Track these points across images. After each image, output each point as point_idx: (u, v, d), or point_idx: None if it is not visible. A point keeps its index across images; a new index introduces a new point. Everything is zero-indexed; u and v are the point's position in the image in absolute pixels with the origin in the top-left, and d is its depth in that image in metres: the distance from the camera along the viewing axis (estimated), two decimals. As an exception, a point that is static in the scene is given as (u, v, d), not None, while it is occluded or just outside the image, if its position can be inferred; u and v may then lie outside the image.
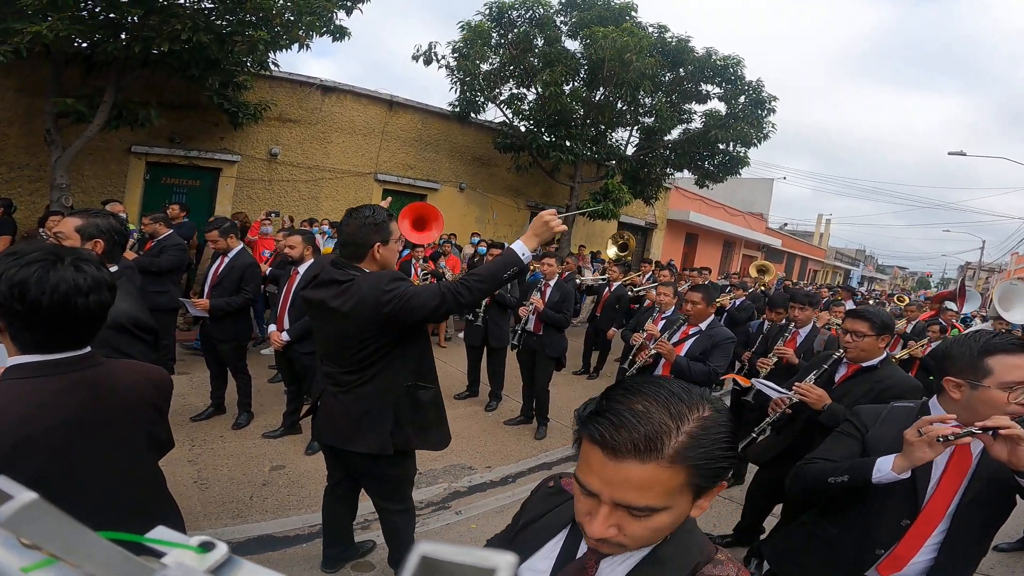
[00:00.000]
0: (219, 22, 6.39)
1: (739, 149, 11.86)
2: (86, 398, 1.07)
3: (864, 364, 2.31)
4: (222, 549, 0.33)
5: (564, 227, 2.00)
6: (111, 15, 5.80)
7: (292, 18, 6.53)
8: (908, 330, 6.32)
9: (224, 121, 8.10)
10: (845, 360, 2.40)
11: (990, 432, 1.26)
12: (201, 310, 3.81)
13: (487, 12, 10.37)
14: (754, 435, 2.64)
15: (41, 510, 0.28)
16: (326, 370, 2.07)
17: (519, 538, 0.89)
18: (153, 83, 7.09)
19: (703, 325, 3.30)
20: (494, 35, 10.23)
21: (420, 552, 0.29)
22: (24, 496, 0.28)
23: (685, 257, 18.04)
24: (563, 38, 10.69)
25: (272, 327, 3.80)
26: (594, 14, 10.32)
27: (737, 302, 6.42)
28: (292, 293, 3.73)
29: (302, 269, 3.75)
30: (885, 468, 1.43)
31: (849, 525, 1.60)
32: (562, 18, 10.69)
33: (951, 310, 8.80)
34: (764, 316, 4.61)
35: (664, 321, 4.22)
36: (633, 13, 10.72)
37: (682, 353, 3.21)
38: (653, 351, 3.26)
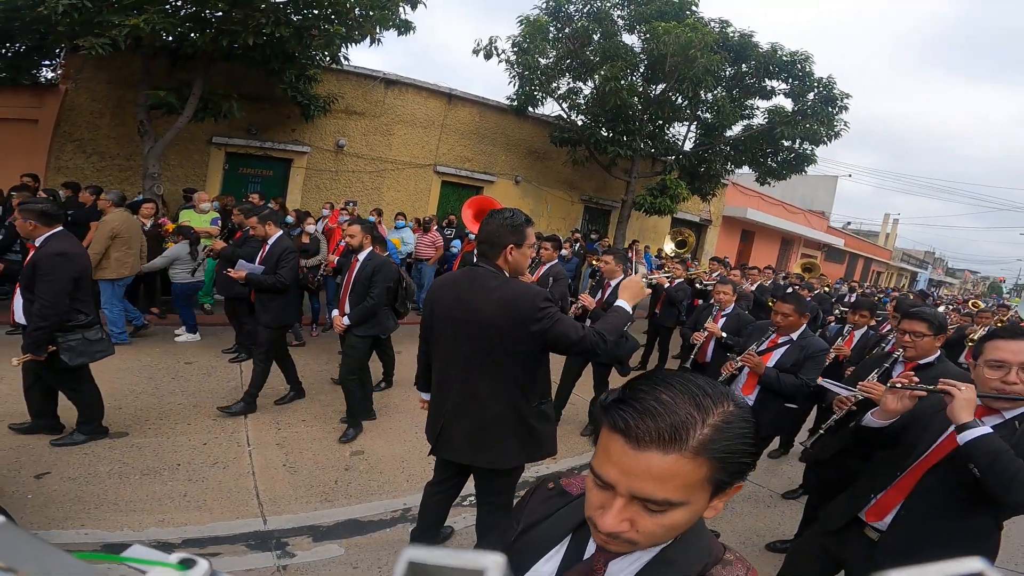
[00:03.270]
0: (296, 17, 6.68)
1: (805, 147, 11.37)
2: None
3: (920, 362, 2.40)
4: (203, 566, 0.33)
5: (650, 291, 2.22)
6: (199, 9, 6.12)
7: (366, 13, 6.72)
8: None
9: (296, 113, 8.51)
10: (902, 359, 2.50)
11: (933, 389, 1.63)
12: (237, 276, 4.02)
13: (544, 6, 10.34)
14: (821, 431, 2.66)
15: (12, 533, 0.27)
16: (453, 379, 2.05)
17: (521, 542, 0.86)
18: (232, 76, 7.46)
19: (794, 335, 3.16)
20: (552, 30, 10.19)
21: (407, 558, 0.29)
22: None
23: (740, 255, 17.51)
24: (620, 32, 10.51)
25: (335, 312, 3.94)
26: (653, 8, 10.10)
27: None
28: (353, 280, 3.83)
29: (361, 257, 3.86)
30: (871, 416, 1.82)
31: (870, 470, 1.92)
32: (619, 12, 10.52)
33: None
34: (849, 319, 4.51)
35: (724, 319, 4.19)
36: (694, 7, 10.41)
37: (770, 363, 3.10)
38: (739, 364, 3.14)
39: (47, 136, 7.81)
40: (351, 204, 7.61)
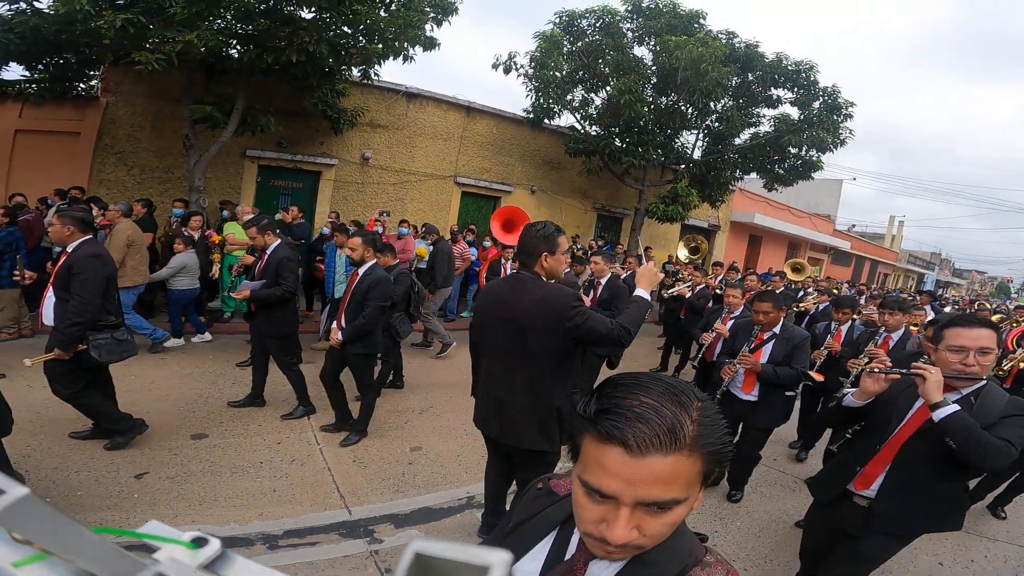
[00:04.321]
0: (334, 34, 6.98)
1: (812, 153, 11.68)
2: None
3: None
4: (215, 545, 0.33)
5: (663, 275, 2.51)
6: (247, 26, 6.40)
7: (400, 31, 7.01)
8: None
9: (325, 127, 8.86)
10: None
11: (906, 372, 1.87)
12: (241, 298, 4.05)
13: (558, 20, 10.70)
14: (848, 435, 2.90)
15: (32, 505, 0.27)
16: (496, 371, 2.29)
17: (510, 539, 0.88)
18: (265, 90, 7.74)
19: (776, 329, 3.45)
20: (565, 43, 10.53)
21: (414, 549, 0.29)
22: (15, 491, 0.27)
23: (748, 259, 17.80)
24: (632, 46, 10.84)
25: (333, 325, 3.86)
26: (663, 22, 10.42)
27: (820, 307, 6.59)
28: (351, 294, 3.76)
29: (362, 271, 3.79)
30: (850, 396, 2.09)
31: (851, 449, 2.20)
32: (628, 25, 10.86)
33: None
34: (834, 316, 4.75)
35: (732, 321, 4.41)
36: (702, 21, 10.73)
37: (762, 359, 3.38)
38: (737, 366, 3.41)
39: (89, 148, 8.11)
40: (384, 215, 7.93)
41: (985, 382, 1.90)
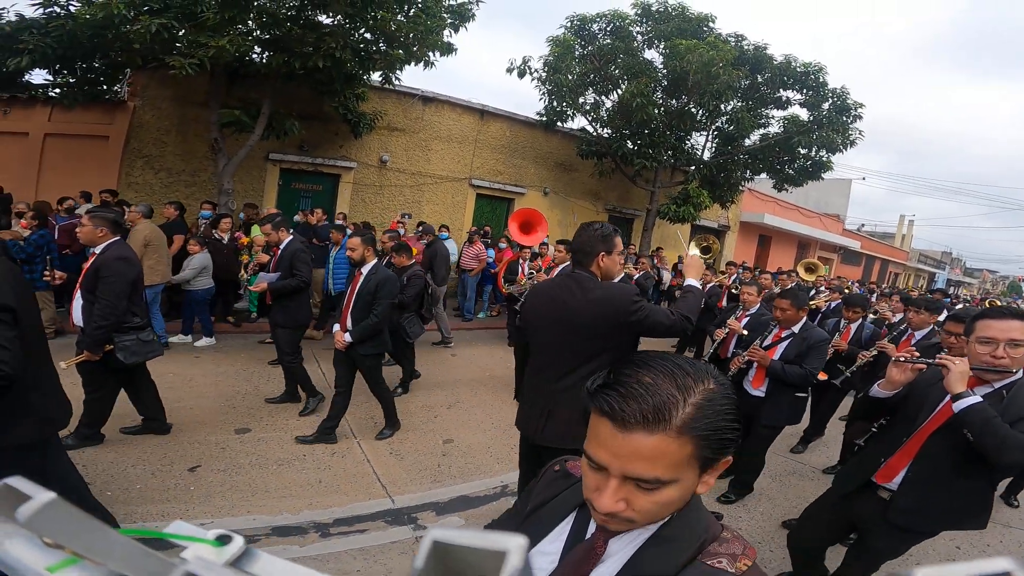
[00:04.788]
0: (357, 40, 7.17)
1: (821, 154, 11.77)
2: None
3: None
4: (238, 542, 0.34)
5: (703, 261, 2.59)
6: (276, 31, 6.55)
7: (422, 37, 7.18)
8: None
9: (344, 130, 9.06)
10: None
11: (933, 363, 1.89)
12: (258, 290, 4.28)
13: (569, 25, 10.85)
14: (874, 430, 3.01)
15: (60, 509, 0.28)
16: (548, 371, 2.23)
17: (528, 523, 0.89)
18: (287, 95, 7.85)
19: (795, 328, 3.41)
20: (577, 48, 10.69)
21: (432, 537, 0.29)
22: (43, 496, 0.28)
23: (757, 259, 17.86)
24: (643, 49, 10.97)
25: (336, 327, 3.83)
26: (672, 26, 10.54)
27: (832, 304, 6.71)
28: (355, 295, 3.73)
29: (365, 270, 3.76)
30: (877, 387, 2.10)
31: (877, 440, 2.21)
32: (638, 28, 10.99)
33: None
34: (844, 314, 4.80)
35: (748, 318, 4.43)
36: (711, 24, 10.85)
37: (776, 356, 3.36)
38: (746, 358, 3.42)
39: (118, 152, 8.30)
40: (406, 216, 8.11)
41: (1020, 376, 1.84)
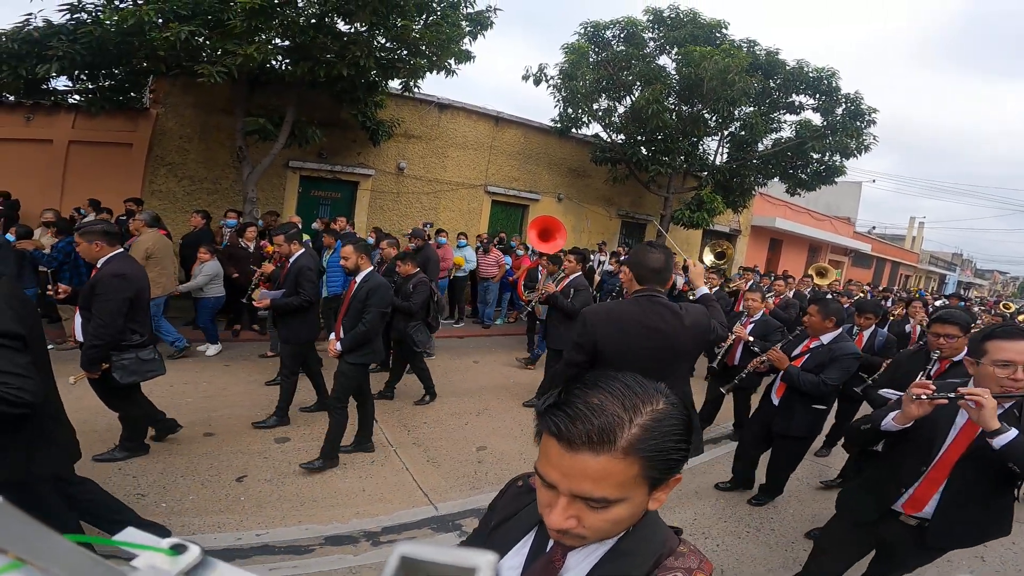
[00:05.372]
0: (380, 49, 7.25)
1: (835, 159, 11.79)
2: None
3: (954, 359, 2.82)
4: (194, 551, 0.33)
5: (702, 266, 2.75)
6: (302, 40, 6.55)
7: (444, 46, 7.26)
8: None
9: (362, 138, 9.14)
10: (937, 358, 2.89)
11: (956, 397, 1.73)
12: (262, 306, 4.17)
13: (583, 31, 10.93)
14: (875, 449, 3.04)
15: (7, 513, 0.27)
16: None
17: (493, 537, 0.91)
18: (307, 102, 7.89)
19: (825, 339, 3.33)
20: (591, 54, 10.76)
21: (400, 552, 0.29)
22: None
23: (769, 263, 17.85)
24: (656, 56, 11.03)
25: (332, 336, 3.79)
26: (685, 32, 10.60)
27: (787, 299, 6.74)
28: (348, 303, 3.71)
29: (358, 279, 3.70)
30: (890, 420, 1.94)
31: (887, 467, 2.11)
32: (650, 34, 11.05)
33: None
34: (856, 322, 4.70)
35: (753, 325, 4.51)
36: (724, 30, 10.89)
37: (801, 365, 3.31)
38: (765, 358, 3.40)
39: (141, 160, 8.34)
40: (427, 225, 8.19)
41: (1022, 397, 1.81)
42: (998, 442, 1.68)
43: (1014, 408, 1.84)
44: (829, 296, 4.73)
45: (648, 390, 0.72)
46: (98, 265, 3.06)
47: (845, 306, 6.70)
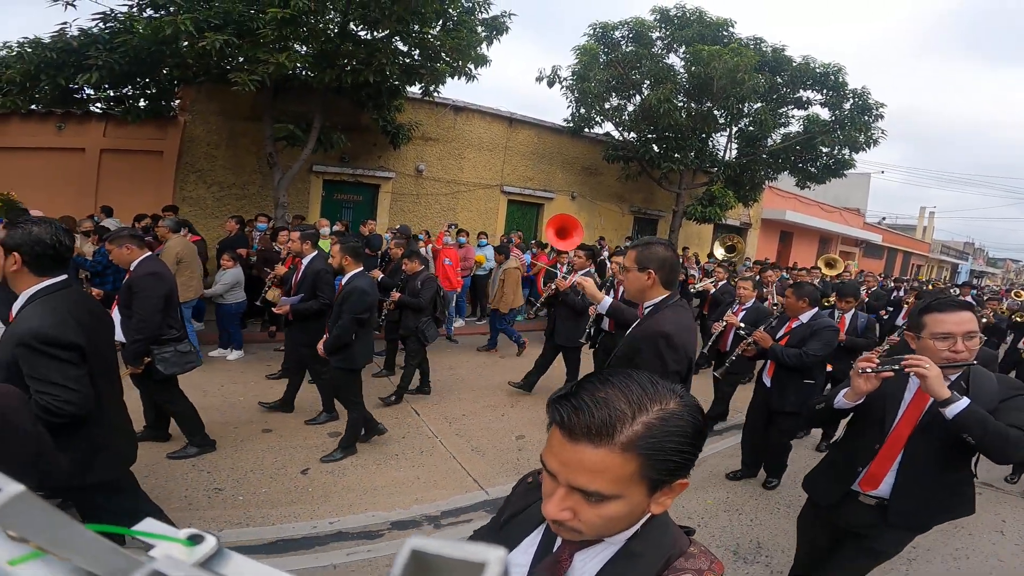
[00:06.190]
0: (403, 55, 7.47)
1: (844, 152, 11.91)
2: None
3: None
4: (211, 542, 0.33)
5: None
6: (332, 47, 6.80)
7: (465, 52, 7.49)
8: None
9: (383, 141, 9.38)
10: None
11: (899, 368, 1.73)
12: (281, 312, 4.22)
13: (592, 32, 11.10)
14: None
15: (28, 502, 0.27)
16: None
17: (503, 532, 0.92)
18: (329, 108, 8.03)
19: (804, 317, 3.65)
20: (601, 55, 10.94)
21: (410, 546, 0.29)
22: (11, 488, 0.27)
23: (779, 255, 17.98)
24: (666, 56, 11.19)
25: (325, 336, 3.81)
26: (693, 31, 10.75)
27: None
28: (334, 305, 3.70)
29: (344, 280, 3.72)
30: (842, 397, 1.95)
31: (845, 449, 2.12)
32: (657, 33, 11.22)
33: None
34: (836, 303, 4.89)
35: (744, 312, 4.62)
36: (731, 28, 11.02)
37: (785, 344, 3.61)
38: (751, 340, 3.69)
39: (172, 167, 8.60)
40: (452, 227, 8.44)
41: (968, 365, 1.82)
42: (950, 411, 1.67)
43: (961, 380, 1.82)
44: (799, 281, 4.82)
45: (661, 391, 0.72)
46: (131, 268, 3.30)
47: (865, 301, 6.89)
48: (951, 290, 13.01)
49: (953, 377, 1.81)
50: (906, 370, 1.72)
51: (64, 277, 1.92)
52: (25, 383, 1.73)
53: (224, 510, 3.10)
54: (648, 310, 2.13)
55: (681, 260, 11.43)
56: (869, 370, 1.80)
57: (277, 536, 2.90)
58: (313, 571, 2.66)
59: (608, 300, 2.58)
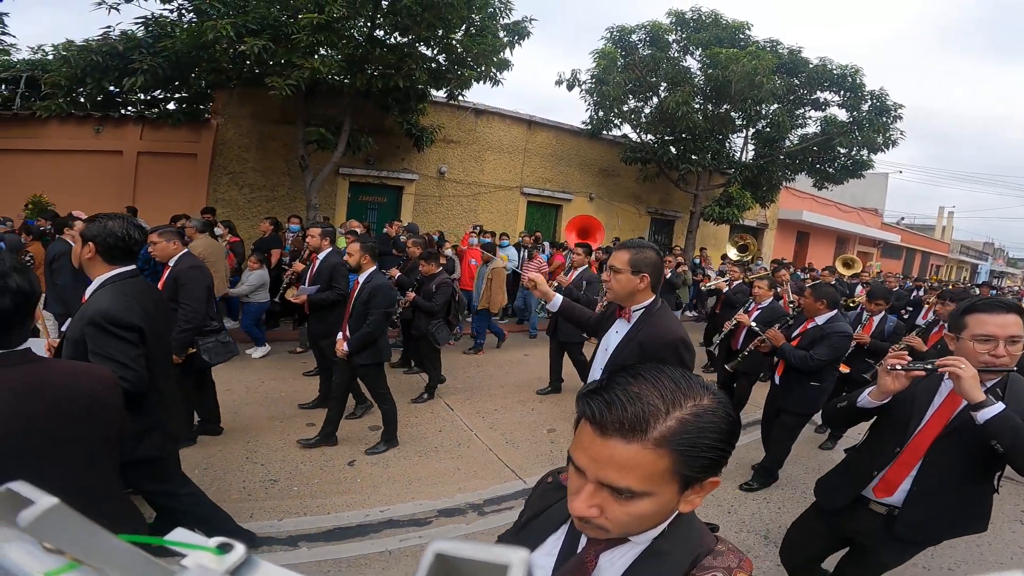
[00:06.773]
0: (430, 60, 7.68)
1: (862, 153, 11.92)
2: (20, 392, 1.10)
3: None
4: (239, 550, 0.34)
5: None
6: (363, 52, 6.99)
7: (490, 58, 7.70)
8: None
9: (407, 144, 9.61)
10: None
11: (932, 368, 1.62)
12: (299, 301, 4.34)
13: (609, 36, 11.23)
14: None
15: (62, 514, 0.28)
16: None
17: (523, 533, 0.90)
18: (356, 112, 8.21)
19: (820, 320, 3.63)
20: (619, 58, 11.07)
21: (434, 549, 0.29)
22: (45, 501, 0.28)
23: (796, 256, 17.97)
24: (684, 59, 11.29)
25: (339, 335, 3.84)
26: (709, 34, 10.83)
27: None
28: (352, 303, 3.75)
29: (361, 278, 3.74)
30: (867, 396, 1.84)
31: (865, 450, 2.00)
32: (674, 36, 11.32)
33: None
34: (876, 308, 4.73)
35: (759, 311, 4.69)
36: (747, 31, 11.08)
37: (798, 344, 3.62)
38: (764, 337, 3.72)
39: (205, 169, 8.89)
40: (477, 228, 8.65)
41: (1008, 371, 1.69)
42: (982, 416, 1.56)
43: (997, 387, 1.71)
44: (817, 282, 4.91)
45: (695, 386, 0.71)
46: (170, 264, 3.46)
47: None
48: (972, 290, 12.97)
49: (990, 383, 1.69)
50: (939, 370, 1.61)
51: (132, 267, 2.09)
52: (88, 359, 1.89)
53: (281, 500, 3.26)
54: (639, 314, 2.12)
55: (699, 261, 11.59)
56: (899, 367, 1.69)
57: (334, 525, 3.06)
58: (368, 557, 2.82)
59: (559, 299, 2.57)
